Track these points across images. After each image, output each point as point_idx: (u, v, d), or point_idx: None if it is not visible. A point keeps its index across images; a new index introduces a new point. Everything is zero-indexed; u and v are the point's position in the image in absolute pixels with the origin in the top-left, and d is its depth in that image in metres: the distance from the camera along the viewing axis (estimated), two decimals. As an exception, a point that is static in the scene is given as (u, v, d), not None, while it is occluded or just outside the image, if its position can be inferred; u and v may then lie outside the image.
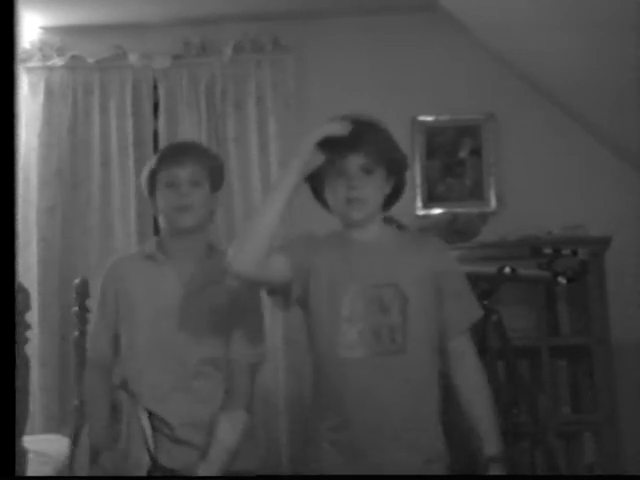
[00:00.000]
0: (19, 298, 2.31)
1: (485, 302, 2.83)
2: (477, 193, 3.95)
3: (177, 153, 2.36)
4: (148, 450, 2.24)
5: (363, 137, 2.01)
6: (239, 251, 1.96)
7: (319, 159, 1.99)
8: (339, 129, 1.98)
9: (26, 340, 2.48)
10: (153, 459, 2.24)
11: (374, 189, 2.03)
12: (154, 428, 2.25)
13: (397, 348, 1.99)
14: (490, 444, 2.03)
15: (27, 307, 2.64)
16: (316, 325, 2.05)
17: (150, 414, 2.26)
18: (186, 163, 2.29)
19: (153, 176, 2.35)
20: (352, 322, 2.00)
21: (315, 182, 2.09)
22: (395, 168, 2.08)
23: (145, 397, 2.27)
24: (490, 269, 2.85)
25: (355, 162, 2.01)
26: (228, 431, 2.23)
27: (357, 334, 1.99)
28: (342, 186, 2.01)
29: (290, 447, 3.70)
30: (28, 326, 2.57)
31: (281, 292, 2.06)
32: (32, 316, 3.18)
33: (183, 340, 2.27)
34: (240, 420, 2.26)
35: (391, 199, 2.11)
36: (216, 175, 2.38)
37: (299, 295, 2.06)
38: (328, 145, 1.97)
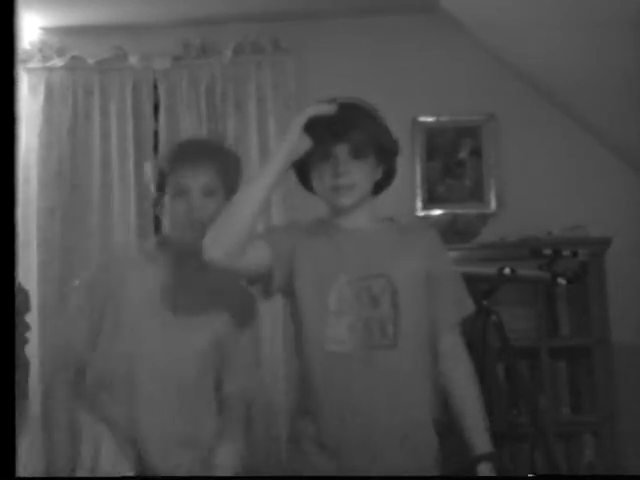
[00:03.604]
0: (19, 299, 2.31)
1: (485, 303, 2.84)
2: (477, 194, 3.95)
3: (191, 157, 2.12)
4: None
5: (352, 121, 1.92)
6: (213, 239, 1.85)
7: (306, 144, 1.89)
8: (326, 109, 1.89)
9: (26, 341, 2.48)
10: None
11: (363, 175, 1.94)
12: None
13: (388, 342, 1.90)
14: (480, 443, 1.96)
15: (27, 308, 2.64)
16: (303, 317, 1.95)
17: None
18: (200, 170, 2.09)
19: (162, 177, 2.14)
20: (341, 315, 1.91)
21: (300, 166, 1.98)
22: (385, 153, 1.99)
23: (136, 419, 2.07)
24: (490, 270, 2.85)
25: (343, 147, 1.92)
26: (228, 459, 2.12)
27: (346, 327, 1.91)
28: (329, 173, 1.92)
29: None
30: (28, 327, 2.57)
31: (261, 281, 1.96)
32: (32, 317, 3.19)
33: (182, 348, 2.11)
34: (239, 451, 2.16)
35: (381, 185, 2.02)
36: (233, 179, 2.16)
37: (281, 284, 1.96)
38: (316, 129, 1.88)
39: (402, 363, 1.92)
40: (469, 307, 2.07)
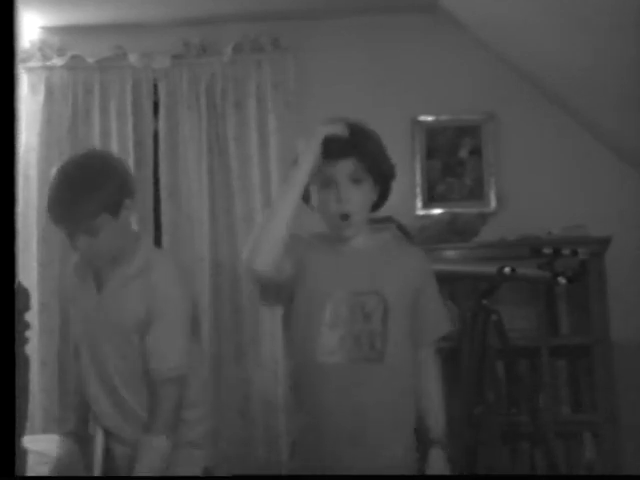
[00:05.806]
0: (19, 298, 2.30)
1: (485, 302, 2.84)
2: (477, 193, 3.95)
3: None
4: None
5: (357, 143, 2.02)
6: (258, 252, 1.93)
7: (320, 160, 1.99)
8: (341, 130, 2.00)
9: (26, 340, 2.47)
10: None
11: (361, 199, 2.04)
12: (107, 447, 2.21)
13: (376, 355, 2.01)
14: (435, 430, 2.09)
15: (27, 307, 2.63)
16: (297, 327, 2.07)
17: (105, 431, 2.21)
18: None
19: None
20: (334, 328, 2.01)
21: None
22: (383, 177, 2.09)
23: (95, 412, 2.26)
24: (490, 269, 2.85)
25: (344, 171, 2.01)
26: (149, 459, 2.09)
27: (338, 340, 2.01)
28: (331, 199, 2.02)
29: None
30: (28, 326, 2.56)
31: (275, 290, 2.06)
32: (32, 316, 3.18)
33: (105, 348, 2.22)
34: (160, 448, 2.09)
35: (377, 205, 2.13)
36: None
37: (289, 292, 2.07)
38: (325, 147, 1.98)
39: (388, 375, 2.02)
40: (447, 327, 2.19)
